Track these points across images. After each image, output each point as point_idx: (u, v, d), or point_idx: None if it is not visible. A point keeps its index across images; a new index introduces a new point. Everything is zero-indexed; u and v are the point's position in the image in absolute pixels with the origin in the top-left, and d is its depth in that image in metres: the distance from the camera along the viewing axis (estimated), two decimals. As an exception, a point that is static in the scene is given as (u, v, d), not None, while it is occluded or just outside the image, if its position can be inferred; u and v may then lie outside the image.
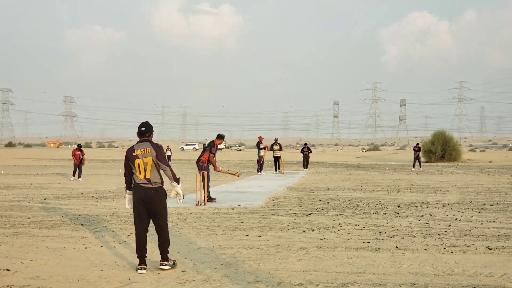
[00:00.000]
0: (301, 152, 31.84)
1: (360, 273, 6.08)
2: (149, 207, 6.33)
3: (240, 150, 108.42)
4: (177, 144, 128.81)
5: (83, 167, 24.27)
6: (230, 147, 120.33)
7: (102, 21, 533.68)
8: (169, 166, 6.43)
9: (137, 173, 6.38)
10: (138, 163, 6.38)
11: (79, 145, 24.40)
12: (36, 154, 65.74)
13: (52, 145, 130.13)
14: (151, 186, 6.33)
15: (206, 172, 12.94)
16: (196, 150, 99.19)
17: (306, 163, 31.63)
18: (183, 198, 6.66)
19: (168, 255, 6.41)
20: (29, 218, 10.56)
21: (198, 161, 13.34)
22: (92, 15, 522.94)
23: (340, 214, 10.98)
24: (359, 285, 5.56)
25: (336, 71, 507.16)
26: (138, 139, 6.56)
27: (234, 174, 14.40)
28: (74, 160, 23.22)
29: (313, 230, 9.02)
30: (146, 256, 6.38)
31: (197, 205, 12.33)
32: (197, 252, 7.31)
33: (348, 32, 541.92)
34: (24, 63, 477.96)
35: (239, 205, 12.36)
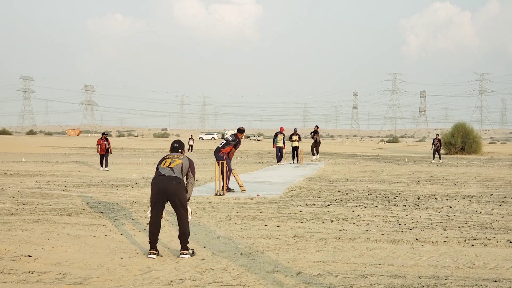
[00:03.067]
0: (312, 137, 27.62)
1: (379, 264, 6.05)
2: (170, 198, 6.40)
3: (259, 140, 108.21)
4: (195, 134, 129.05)
5: (109, 156, 22.29)
6: (249, 137, 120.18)
7: (123, 10, 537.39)
8: (193, 184, 6.79)
9: (162, 165, 6.56)
10: (166, 160, 6.68)
11: (104, 134, 22.72)
12: (57, 142, 66.46)
13: (72, 133, 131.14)
14: (173, 175, 6.41)
15: (226, 162, 12.86)
16: (215, 140, 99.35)
17: (315, 149, 27.63)
18: (191, 214, 6.83)
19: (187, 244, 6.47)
20: (50, 205, 10.69)
21: (218, 151, 13.05)
22: (113, 4, 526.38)
23: (359, 206, 10.93)
24: (379, 276, 5.54)
25: (356, 61, 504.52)
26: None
27: (240, 186, 13.06)
28: (98, 150, 21.60)
29: (332, 221, 9.00)
30: (157, 242, 6.51)
31: (216, 194, 12.36)
32: (216, 241, 7.34)
33: (369, 22, 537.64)
34: (46, 52, 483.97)
35: (257, 195, 12.35)
